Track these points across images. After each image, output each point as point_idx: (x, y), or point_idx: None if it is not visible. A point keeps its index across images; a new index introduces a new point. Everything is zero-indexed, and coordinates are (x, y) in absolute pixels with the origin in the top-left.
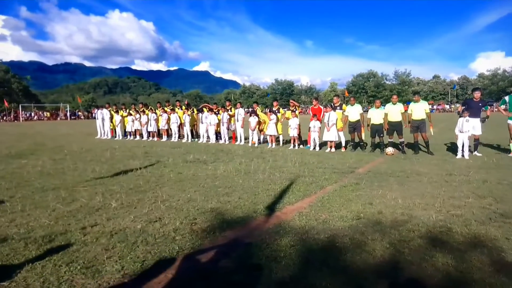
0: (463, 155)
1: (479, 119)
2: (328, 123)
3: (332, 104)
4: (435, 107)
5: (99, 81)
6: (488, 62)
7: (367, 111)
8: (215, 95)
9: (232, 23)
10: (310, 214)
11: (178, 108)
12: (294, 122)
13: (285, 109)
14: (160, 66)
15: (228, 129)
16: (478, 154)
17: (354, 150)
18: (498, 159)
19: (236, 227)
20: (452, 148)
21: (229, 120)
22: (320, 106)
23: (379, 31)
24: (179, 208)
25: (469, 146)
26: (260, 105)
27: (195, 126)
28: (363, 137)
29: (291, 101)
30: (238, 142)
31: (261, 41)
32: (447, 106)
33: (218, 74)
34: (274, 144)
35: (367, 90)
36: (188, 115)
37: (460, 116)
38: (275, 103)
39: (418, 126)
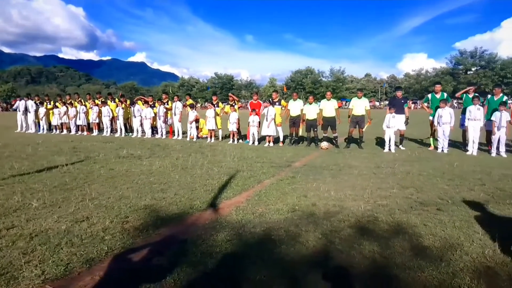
0: (390, 149)
1: (403, 115)
2: (267, 118)
3: (271, 99)
4: None
5: (20, 70)
6: (413, 63)
7: None
8: (152, 88)
9: (170, 13)
10: (247, 208)
11: (111, 101)
12: (233, 117)
13: (225, 104)
14: (92, 56)
15: (165, 123)
16: (402, 148)
17: (291, 145)
18: (420, 153)
19: (171, 224)
20: (381, 142)
21: (166, 113)
22: (259, 101)
23: (318, 29)
24: (110, 206)
25: (396, 142)
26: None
27: (129, 120)
28: (300, 132)
29: (230, 95)
30: (175, 137)
31: (201, 34)
32: (377, 103)
33: (155, 65)
34: (213, 138)
35: (305, 86)
36: (122, 108)
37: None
38: (214, 97)
39: (357, 122)
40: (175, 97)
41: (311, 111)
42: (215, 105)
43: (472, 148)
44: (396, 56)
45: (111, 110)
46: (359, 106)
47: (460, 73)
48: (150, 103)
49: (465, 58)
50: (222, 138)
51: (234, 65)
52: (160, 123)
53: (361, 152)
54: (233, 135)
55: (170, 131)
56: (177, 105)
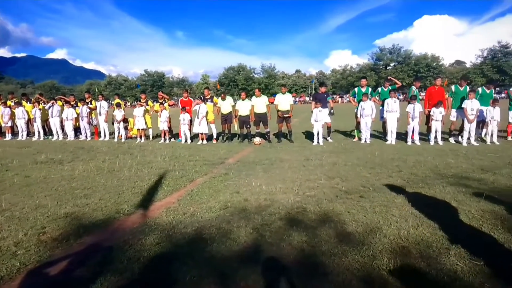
0: (318, 142)
1: (327, 108)
2: (198, 116)
3: (202, 96)
4: (297, 99)
5: None
6: (339, 59)
7: None
8: (75, 87)
9: (93, 7)
10: (178, 209)
11: (26, 102)
12: (163, 115)
13: (155, 102)
14: (3, 52)
15: (89, 124)
16: (330, 140)
17: (225, 141)
18: (346, 144)
19: (95, 231)
20: (309, 136)
21: (90, 114)
22: (190, 98)
23: (246, 25)
24: (24, 217)
25: (324, 134)
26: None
27: (47, 122)
28: (235, 129)
29: (159, 93)
30: (101, 138)
31: (127, 29)
32: (308, 98)
33: (78, 63)
34: (143, 138)
35: (237, 83)
36: (39, 109)
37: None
38: (143, 96)
39: (284, 117)
40: (100, 96)
41: (244, 107)
42: (145, 104)
43: (391, 138)
44: (323, 53)
45: (27, 111)
46: (284, 101)
47: (381, 68)
48: (72, 103)
49: (384, 54)
50: (153, 137)
51: (165, 62)
52: (83, 124)
53: (292, 146)
54: (164, 134)
55: (96, 132)
56: (102, 105)
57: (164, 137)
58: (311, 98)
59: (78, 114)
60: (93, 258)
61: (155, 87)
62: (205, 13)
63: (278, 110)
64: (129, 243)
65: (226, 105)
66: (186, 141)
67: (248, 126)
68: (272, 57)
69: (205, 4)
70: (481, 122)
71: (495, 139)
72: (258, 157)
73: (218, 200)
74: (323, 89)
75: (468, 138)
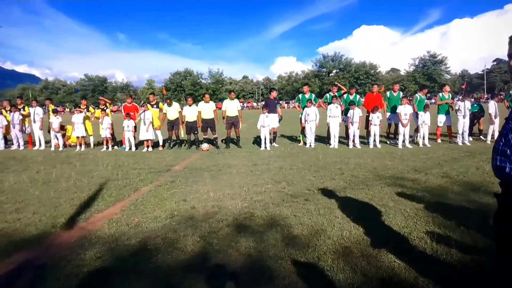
0: (265, 147)
1: (277, 114)
2: (144, 122)
3: (148, 102)
4: (245, 104)
5: None
6: (284, 65)
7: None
8: (5, 91)
9: (20, 2)
10: (121, 220)
11: None
12: (105, 122)
13: (96, 108)
14: None
15: (22, 131)
16: (276, 145)
17: (171, 148)
18: (292, 148)
19: (28, 248)
20: (257, 141)
21: (23, 121)
22: (134, 104)
23: (191, 29)
24: None
25: (271, 139)
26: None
27: None
28: (182, 135)
29: (101, 98)
30: (36, 147)
31: (62, 29)
32: (255, 104)
33: (8, 65)
34: (83, 146)
35: (184, 88)
36: None
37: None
38: (83, 101)
39: (232, 123)
40: (34, 101)
41: (191, 113)
42: (86, 110)
43: (334, 142)
44: (269, 59)
45: None
46: (232, 107)
47: (324, 75)
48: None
49: (327, 61)
50: (94, 145)
51: (107, 66)
52: (15, 132)
53: (240, 151)
54: (107, 142)
55: (30, 141)
56: (37, 111)
57: (106, 145)
58: (257, 103)
59: (8, 122)
60: (23, 278)
61: (96, 92)
62: (146, 15)
63: (225, 116)
64: (66, 259)
65: (172, 111)
66: (130, 148)
67: (196, 132)
68: (218, 62)
69: (145, 5)
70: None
71: (426, 141)
72: (206, 163)
73: (164, 209)
74: (273, 94)
75: (403, 141)
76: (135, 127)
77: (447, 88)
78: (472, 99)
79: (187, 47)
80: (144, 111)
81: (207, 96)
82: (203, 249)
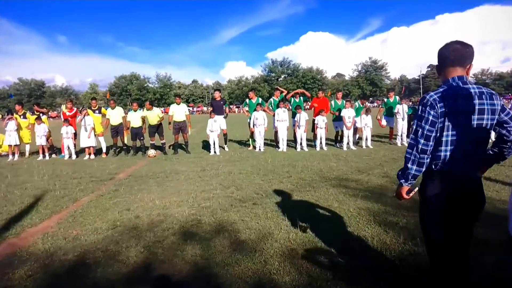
0: (215, 152)
1: (223, 116)
2: (85, 128)
3: (89, 107)
4: (195, 109)
5: None
6: (234, 70)
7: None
8: None
9: None
10: (57, 233)
11: None
12: (41, 129)
13: (32, 114)
14: None
15: None
16: (226, 149)
17: (116, 155)
18: (241, 153)
19: None
20: (206, 146)
21: None
22: (74, 108)
23: (138, 32)
24: None
25: (221, 145)
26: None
27: None
28: (125, 141)
29: (35, 107)
30: None
31: None
32: (205, 108)
33: None
34: (16, 156)
35: (130, 92)
36: None
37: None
38: (18, 107)
39: (180, 128)
40: None
41: (136, 118)
42: (22, 116)
43: (282, 145)
44: (218, 64)
45: None
46: (179, 112)
47: (273, 80)
48: None
49: (276, 66)
50: (29, 154)
51: (45, 69)
52: None
53: (189, 157)
54: (43, 150)
55: None
56: None
57: (43, 154)
58: (207, 107)
59: None
60: None
61: (32, 97)
62: (89, 16)
63: (172, 121)
64: None
65: (115, 116)
66: (70, 156)
67: (141, 138)
68: (167, 66)
69: (87, 6)
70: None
71: (369, 143)
72: (152, 170)
73: (106, 220)
74: (217, 95)
75: (348, 143)
76: (75, 133)
77: (392, 93)
78: (410, 103)
79: (134, 51)
80: (84, 116)
81: (147, 103)
82: (146, 259)
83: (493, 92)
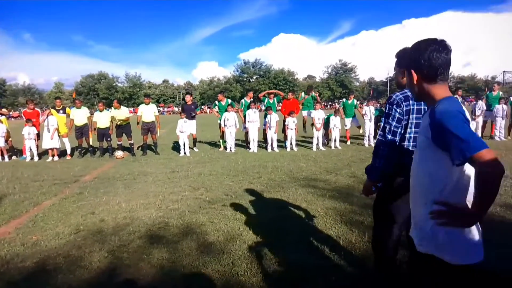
0: (185, 153)
1: (193, 119)
2: (49, 129)
3: (53, 107)
4: (165, 109)
5: None
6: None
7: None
8: None
9: None
10: (15, 239)
11: None
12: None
13: None
14: None
15: None
16: (196, 150)
17: (82, 157)
18: (212, 154)
19: None
20: (176, 147)
21: None
22: (37, 109)
23: (110, 31)
24: None
25: (190, 146)
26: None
27: None
28: (90, 142)
29: None
30: None
31: None
32: (176, 109)
33: None
34: None
35: (98, 92)
36: None
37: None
38: None
39: (149, 128)
40: None
41: (103, 119)
42: None
43: (253, 146)
44: (191, 64)
45: None
46: (148, 112)
47: (245, 80)
48: None
49: (248, 67)
50: None
51: (8, 67)
52: None
53: (158, 158)
54: (2, 152)
55: None
56: None
57: (1, 155)
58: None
59: None
60: None
61: None
62: (56, 14)
63: (140, 122)
64: None
65: (80, 116)
66: (32, 158)
67: (109, 139)
68: (139, 65)
69: (54, 3)
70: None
71: (338, 144)
72: (120, 172)
73: (68, 224)
74: (188, 98)
75: (317, 144)
76: (38, 134)
77: (351, 96)
78: (378, 104)
79: (104, 49)
80: (48, 116)
81: (115, 102)
82: (111, 264)
83: None
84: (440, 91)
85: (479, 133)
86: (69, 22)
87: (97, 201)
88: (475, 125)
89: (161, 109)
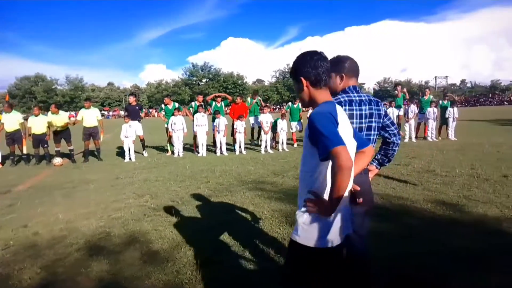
0: (130, 158)
1: (138, 121)
2: None
3: None
4: (111, 113)
5: None
6: (154, 73)
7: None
8: None
9: None
10: None
11: None
12: None
13: None
14: None
15: None
16: (145, 155)
17: (15, 165)
18: (159, 159)
19: None
20: (121, 152)
21: None
22: None
23: (47, 30)
24: None
25: (137, 150)
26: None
27: None
28: (24, 150)
29: None
30: None
31: None
32: (122, 112)
33: None
34: None
35: (35, 95)
36: None
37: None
38: None
39: (90, 134)
40: None
41: (39, 124)
42: None
43: (202, 150)
44: (138, 66)
45: None
46: (90, 117)
47: (195, 84)
48: None
49: (196, 70)
50: None
51: None
52: None
53: (101, 164)
54: None
55: None
56: None
57: None
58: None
59: None
60: None
61: None
62: None
63: (74, 122)
64: None
65: (10, 121)
66: None
67: (45, 145)
68: (81, 67)
69: None
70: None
71: (285, 146)
72: (58, 180)
73: None
74: (131, 99)
75: (265, 147)
76: None
77: (297, 101)
78: None
79: (41, 50)
80: None
81: (53, 106)
82: (43, 281)
83: (378, 100)
84: (322, 96)
85: (413, 134)
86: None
87: (31, 212)
88: (408, 127)
89: (106, 113)
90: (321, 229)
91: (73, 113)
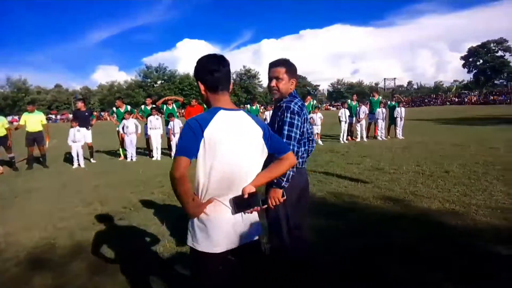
0: (79, 165)
1: (88, 128)
2: None
3: None
4: (59, 116)
5: None
6: (106, 75)
7: None
8: None
9: None
10: None
11: None
12: None
13: None
14: None
15: None
16: (93, 161)
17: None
18: (110, 163)
19: None
20: (69, 158)
21: None
22: None
23: None
24: None
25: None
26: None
27: None
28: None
29: None
30: None
31: None
32: (71, 116)
33: None
34: None
35: None
36: None
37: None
38: None
39: (34, 139)
40: None
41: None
42: None
43: (156, 154)
44: (87, 67)
45: None
46: (33, 121)
47: (149, 86)
48: None
49: (151, 72)
50: None
51: None
52: None
53: (46, 171)
54: None
55: None
56: None
57: None
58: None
59: None
60: None
61: None
62: None
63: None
64: None
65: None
66: None
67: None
68: (24, 69)
69: None
70: None
71: None
72: None
73: None
74: (80, 104)
75: None
76: None
77: (255, 102)
78: None
79: None
80: None
81: None
82: None
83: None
84: (216, 101)
85: (364, 134)
86: None
87: None
88: (360, 127)
89: (53, 116)
90: (202, 234)
91: (16, 117)
